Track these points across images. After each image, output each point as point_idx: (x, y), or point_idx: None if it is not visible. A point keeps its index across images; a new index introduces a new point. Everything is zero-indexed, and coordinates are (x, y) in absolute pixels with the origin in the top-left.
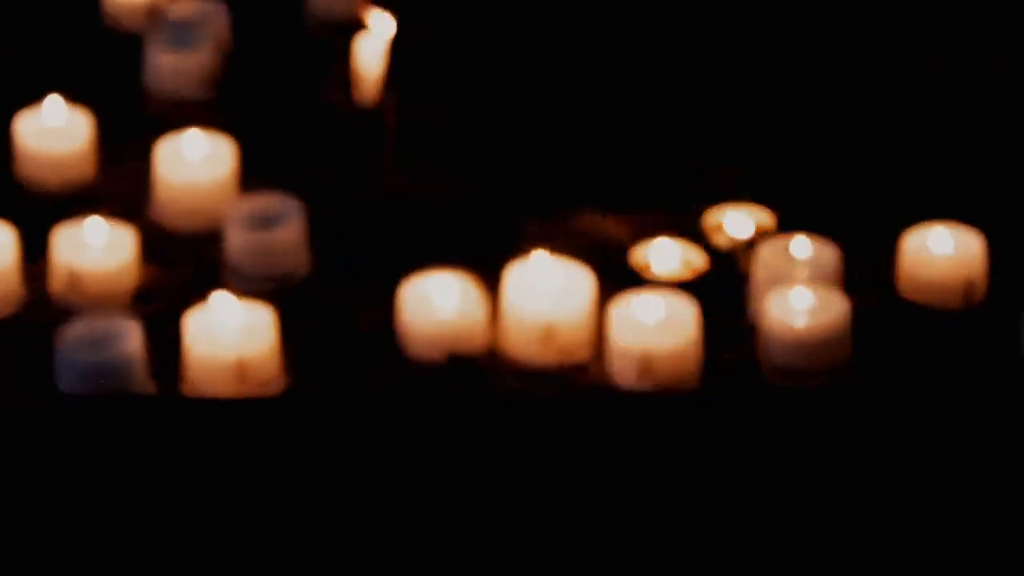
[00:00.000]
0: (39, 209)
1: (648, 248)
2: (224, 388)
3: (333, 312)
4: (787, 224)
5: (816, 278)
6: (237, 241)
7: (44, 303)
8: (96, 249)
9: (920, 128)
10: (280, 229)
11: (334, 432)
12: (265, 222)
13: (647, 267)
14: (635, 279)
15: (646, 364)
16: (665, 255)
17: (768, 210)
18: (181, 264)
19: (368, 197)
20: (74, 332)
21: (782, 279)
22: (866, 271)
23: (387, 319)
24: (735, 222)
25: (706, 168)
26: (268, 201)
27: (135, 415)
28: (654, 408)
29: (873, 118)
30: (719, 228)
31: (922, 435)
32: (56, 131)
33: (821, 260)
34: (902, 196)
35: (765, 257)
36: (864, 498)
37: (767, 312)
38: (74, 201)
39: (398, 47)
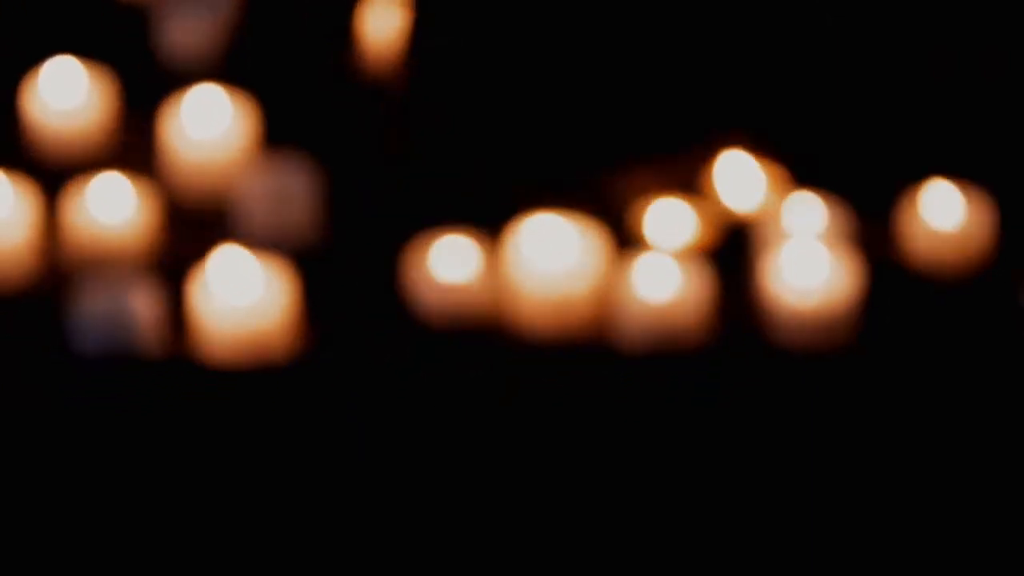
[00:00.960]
0: (54, 171)
1: (655, 210)
2: (235, 348)
3: (345, 274)
4: (798, 180)
5: (823, 237)
6: (251, 202)
7: (60, 262)
8: (111, 208)
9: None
10: (294, 191)
11: (344, 396)
12: (279, 184)
13: (656, 230)
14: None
15: (654, 324)
16: (672, 217)
17: (778, 165)
18: (195, 225)
19: (378, 160)
20: (90, 291)
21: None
22: (874, 230)
23: (396, 281)
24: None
25: (714, 122)
26: (282, 163)
27: (147, 379)
28: (663, 373)
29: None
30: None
31: (928, 399)
32: (70, 92)
33: (829, 220)
34: (912, 152)
35: (775, 216)
36: (869, 468)
37: (772, 274)
38: (88, 164)
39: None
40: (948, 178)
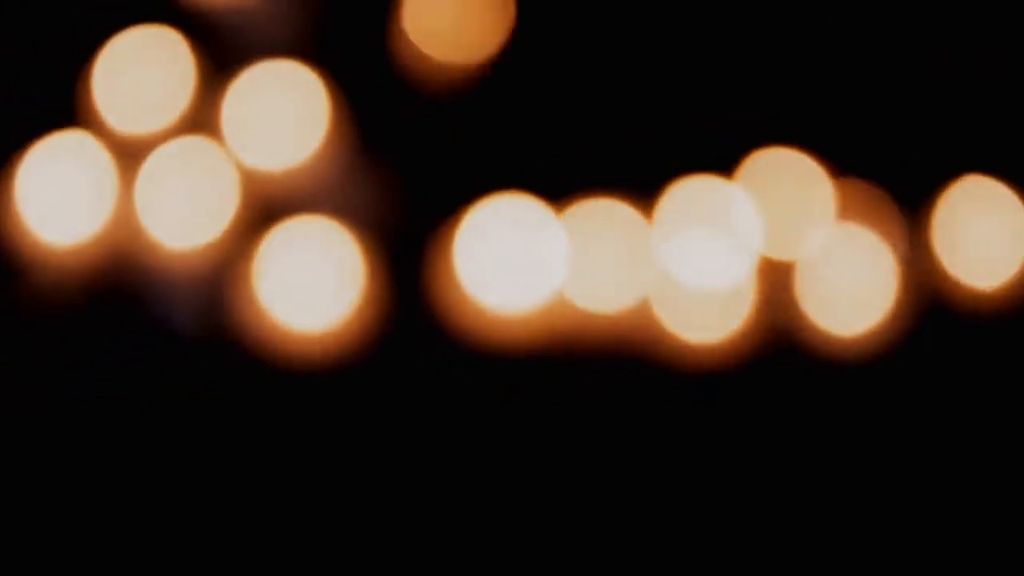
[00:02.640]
0: (131, 139)
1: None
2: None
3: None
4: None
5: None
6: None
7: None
8: (186, 178)
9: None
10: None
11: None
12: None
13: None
14: None
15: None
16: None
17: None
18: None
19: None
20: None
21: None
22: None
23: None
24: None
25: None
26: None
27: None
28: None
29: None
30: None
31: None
32: (147, 61)
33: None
34: (947, 144)
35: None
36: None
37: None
38: (165, 133)
39: None
40: (987, 174)
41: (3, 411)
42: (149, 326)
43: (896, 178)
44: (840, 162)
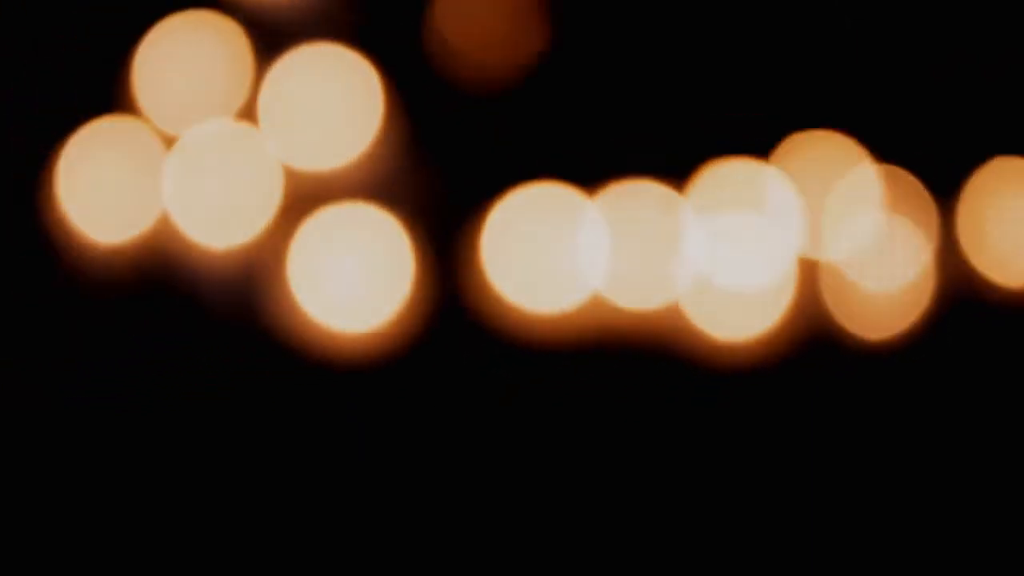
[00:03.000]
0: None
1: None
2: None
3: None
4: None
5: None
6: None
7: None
8: (230, 161)
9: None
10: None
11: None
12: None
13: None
14: None
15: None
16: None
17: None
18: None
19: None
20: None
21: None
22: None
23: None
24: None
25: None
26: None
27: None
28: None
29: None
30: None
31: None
32: (193, 45)
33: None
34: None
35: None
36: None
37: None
38: (209, 116)
39: None
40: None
41: (40, 406)
42: (190, 321)
43: (930, 165)
44: (874, 148)
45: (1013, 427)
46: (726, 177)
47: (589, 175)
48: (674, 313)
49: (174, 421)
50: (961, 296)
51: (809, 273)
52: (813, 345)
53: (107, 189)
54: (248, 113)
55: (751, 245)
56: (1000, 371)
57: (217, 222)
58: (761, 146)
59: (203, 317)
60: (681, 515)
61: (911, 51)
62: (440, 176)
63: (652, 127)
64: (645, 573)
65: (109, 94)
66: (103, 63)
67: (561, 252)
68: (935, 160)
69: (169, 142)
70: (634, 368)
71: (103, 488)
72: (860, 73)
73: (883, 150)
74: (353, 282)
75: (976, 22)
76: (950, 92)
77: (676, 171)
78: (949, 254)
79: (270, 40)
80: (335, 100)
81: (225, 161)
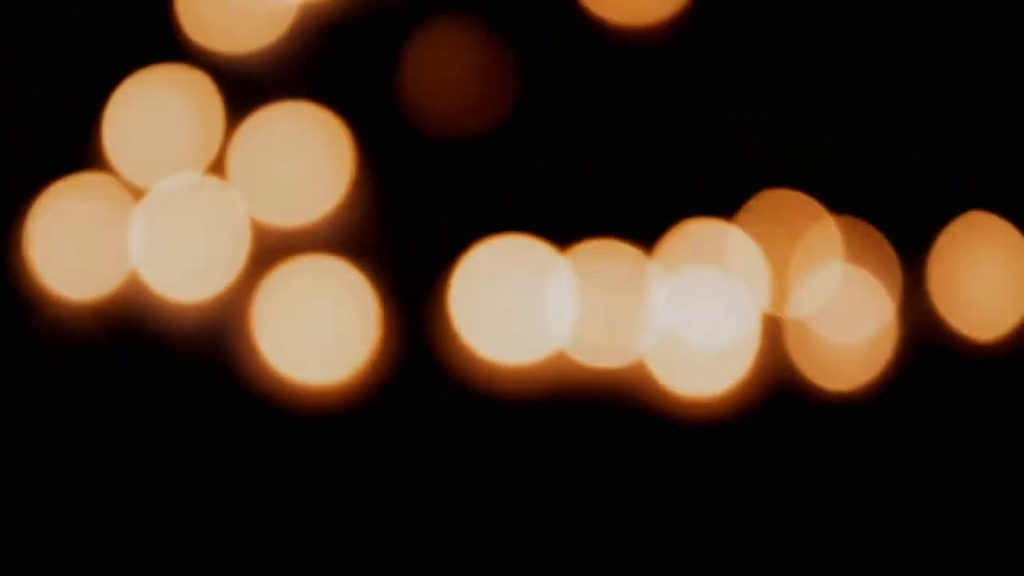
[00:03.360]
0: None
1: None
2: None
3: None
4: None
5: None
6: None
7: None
8: (199, 214)
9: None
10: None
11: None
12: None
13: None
14: None
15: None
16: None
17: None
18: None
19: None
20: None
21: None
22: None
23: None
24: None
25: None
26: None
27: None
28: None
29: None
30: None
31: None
32: (163, 99)
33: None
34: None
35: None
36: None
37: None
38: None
39: None
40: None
41: (10, 461)
42: (157, 375)
43: (894, 218)
44: (837, 202)
45: (978, 477)
46: (692, 236)
47: (558, 231)
48: (639, 370)
49: (144, 474)
50: (926, 347)
51: (774, 329)
52: (778, 400)
53: (77, 244)
54: (217, 167)
55: (716, 303)
56: (965, 422)
57: (185, 276)
58: (726, 206)
59: (171, 371)
60: (645, 571)
61: (872, 108)
62: (410, 229)
63: (621, 186)
64: None
65: (79, 148)
66: (73, 117)
67: (529, 306)
68: (899, 214)
69: (138, 195)
70: (599, 423)
71: (69, 541)
72: (823, 131)
73: (846, 206)
74: (321, 335)
75: (934, 80)
76: (912, 148)
77: (643, 230)
78: (913, 306)
79: (239, 94)
80: (304, 155)
81: (194, 215)
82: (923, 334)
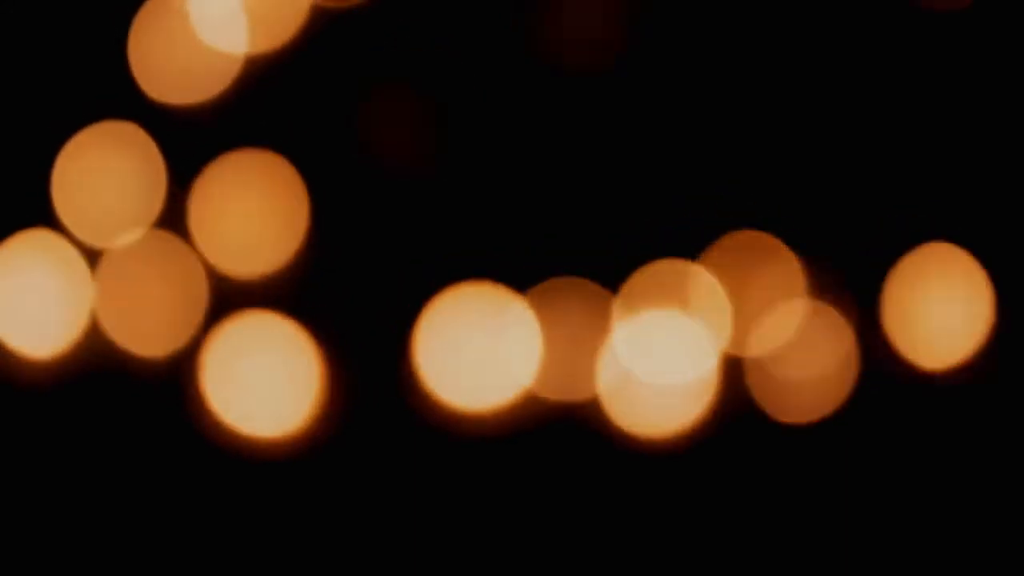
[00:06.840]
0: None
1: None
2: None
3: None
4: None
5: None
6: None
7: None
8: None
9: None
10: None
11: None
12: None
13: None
14: None
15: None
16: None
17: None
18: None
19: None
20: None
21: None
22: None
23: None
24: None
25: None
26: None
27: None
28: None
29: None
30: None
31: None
32: (112, 155)
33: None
34: (904, 214)
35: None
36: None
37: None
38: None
39: None
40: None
41: None
42: (113, 430)
43: (851, 252)
44: (795, 242)
45: (938, 507)
46: (652, 277)
47: (517, 275)
48: (600, 409)
49: (98, 528)
50: (884, 380)
51: (733, 368)
52: (738, 437)
53: (31, 304)
54: (171, 221)
55: (676, 342)
56: (924, 453)
57: (141, 332)
58: (686, 247)
59: (125, 425)
60: None
61: (827, 146)
62: (367, 279)
63: (580, 228)
64: None
65: (29, 209)
66: (21, 177)
67: (491, 350)
68: (856, 249)
69: (92, 255)
70: (562, 464)
71: None
72: (782, 169)
73: (803, 244)
74: (276, 384)
75: (886, 116)
76: (867, 181)
77: (604, 271)
78: (871, 339)
79: (189, 146)
80: (258, 206)
81: (147, 270)
82: (881, 367)
